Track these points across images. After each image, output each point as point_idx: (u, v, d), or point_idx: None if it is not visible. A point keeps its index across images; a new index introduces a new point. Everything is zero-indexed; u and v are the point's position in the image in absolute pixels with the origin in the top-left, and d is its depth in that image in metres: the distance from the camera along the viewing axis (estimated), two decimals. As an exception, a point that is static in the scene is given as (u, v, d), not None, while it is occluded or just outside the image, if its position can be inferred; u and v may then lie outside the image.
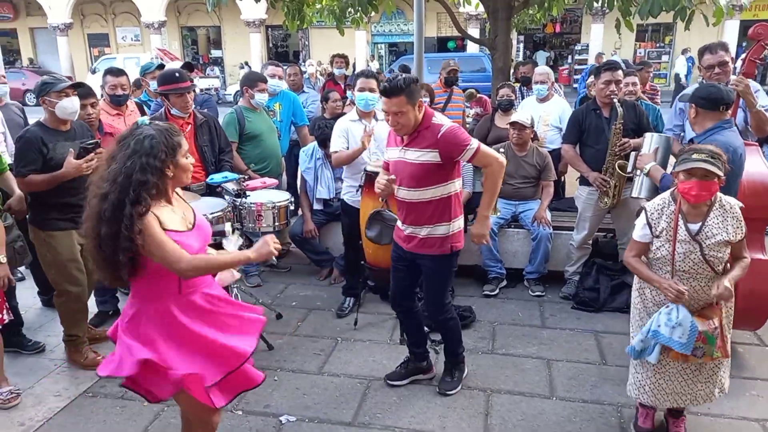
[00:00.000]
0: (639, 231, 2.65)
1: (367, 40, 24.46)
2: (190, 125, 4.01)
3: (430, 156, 2.81)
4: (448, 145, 2.79)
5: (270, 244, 2.19)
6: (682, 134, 3.99)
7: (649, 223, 2.60)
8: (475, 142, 2.82)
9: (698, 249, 2.49)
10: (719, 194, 2.53)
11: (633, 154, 3.79)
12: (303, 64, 14.83)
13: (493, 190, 2.97)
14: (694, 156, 2.43)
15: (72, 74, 23.57)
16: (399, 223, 3.09)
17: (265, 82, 4.79)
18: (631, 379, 2.81)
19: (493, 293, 4.47)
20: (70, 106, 3.26)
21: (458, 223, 2.99)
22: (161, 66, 5.41)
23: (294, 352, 3.70)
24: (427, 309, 3.20)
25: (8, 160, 3.80)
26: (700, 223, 2.50)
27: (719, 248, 2.49)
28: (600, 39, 21.75)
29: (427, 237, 2.94)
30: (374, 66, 22.39)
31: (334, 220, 4.83)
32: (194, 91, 4.27)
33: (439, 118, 2.89)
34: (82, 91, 3.71)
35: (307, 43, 26.06)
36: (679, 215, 2.53)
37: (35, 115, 3.92)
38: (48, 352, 3.69)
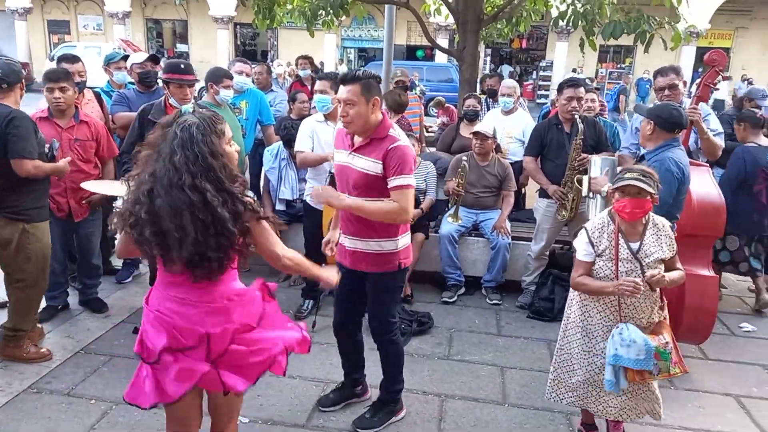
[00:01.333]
0: (582, 251, 2.68)
1: (336, 44, 24.46)
2: None
3: (376, 168, 2.63)
4: (390, 160, 2.60)
5: (334, 279, 2.38)
6: (636, 152, 4.14)
7: (591, 242, 2.65)
8: (411, 180, 2.62)
9: (639, 267, 2.58)
10: (651, 213, 2.63)
11: (585, 178, 3.91)
12: (272, 63, 14.69)
13: (376, 209, 2.63)
14: (627, 175, 2.54)
15: (29, 60, 22.75)
16: (343, 239, 2.88)
17: (231, 78, 4.72)
18: (555, 385, 2.86)
19: (451, 300, 4.52)
20: None
21: (405, 239, 2.83)
22: (126, 57, 5.28)
23: (250, 352, 3.65)
24: (371, 327, 2.98)
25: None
26: (639, 242, 2.60)
27: (656, 266, 2.57)
28: (564, 57, 22.35)
29: (372, 252, 2.77)
30: (342, 70, 22.41)
31: (296, 221, 4.80)
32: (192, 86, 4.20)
33: (397, 131, 2.70)
34: (53, 74, 3.67)
35: (275, 43, 25.88)
36: (620, 234, 2.61)
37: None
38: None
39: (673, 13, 6.70)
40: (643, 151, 3.57)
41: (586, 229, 2.70)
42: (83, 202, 3.88)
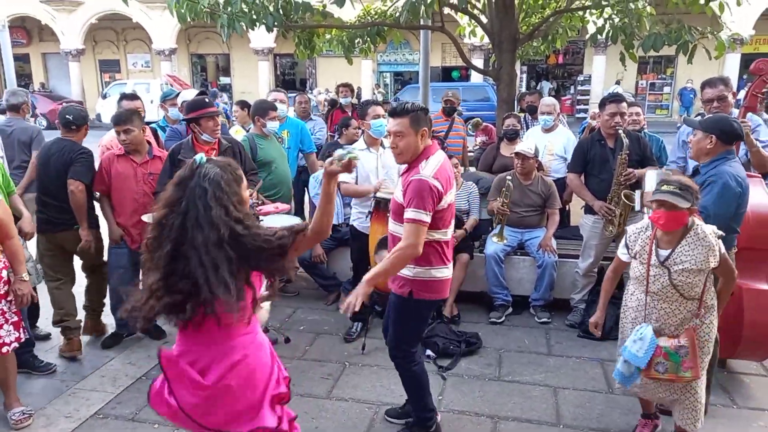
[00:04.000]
0: (620, 249, 2.93)
1: (373, 69, 24.85)
2: (215, 151, 4.09)
3: (400, 195, 2.73)
4: (410, 192, 2.64)
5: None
6: (684, 165, 4.08)
7: (627, 244, 2.84)
8: (423, 216, 2.60)
9: (666, 274, 2.67)
10: (696, 222, 2.67)
11: (638, 192, 3.87)
12: (311, 92, 15.06)
13: (387, 265, 2.66)
14: (664, 188, 2.61)
15: (83, 99, 23.95)
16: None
17: (276, 110, 4.90)
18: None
19: (499, 320, 4.50)
20: None
21: (428, 272, 2.77)
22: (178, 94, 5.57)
23: (302, 376, 3.73)
24: (389, 349, 3.00)
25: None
26: (670, 250, 2.67)
27: (687, 275, 2.64)
28: (602, 70, 22.07)
29: (409, 278, 2.79)
30: (379, 95, 22.72)
31: (342, 245, 4.90)
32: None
33: (430, 163, 2.69)
34: (117, 118, 3.97)
35: (313, 71, 26.49)
36: (654, 241, 2.72)
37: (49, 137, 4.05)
38: (59, 374, 3.72)
39: (715, 21, 6.59)
40: (693, 164, 3.51)
41: (626, 231, 2.90)
42: None
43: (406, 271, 2.77)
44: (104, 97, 21.34)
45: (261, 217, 3.88)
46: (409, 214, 2.62)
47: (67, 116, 3.93)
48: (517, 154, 4.65)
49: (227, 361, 1.98)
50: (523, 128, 6.12)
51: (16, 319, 3.05)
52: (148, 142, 4.13)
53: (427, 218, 2.63)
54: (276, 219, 3.97)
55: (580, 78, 23.58)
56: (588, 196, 4.30)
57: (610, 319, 4.27)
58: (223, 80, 28.06)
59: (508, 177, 4.58)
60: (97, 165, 4.06)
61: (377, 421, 3.23)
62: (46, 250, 3.96)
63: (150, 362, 3.89)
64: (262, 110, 4.84)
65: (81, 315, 4.12)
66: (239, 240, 1.87)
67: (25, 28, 27.03)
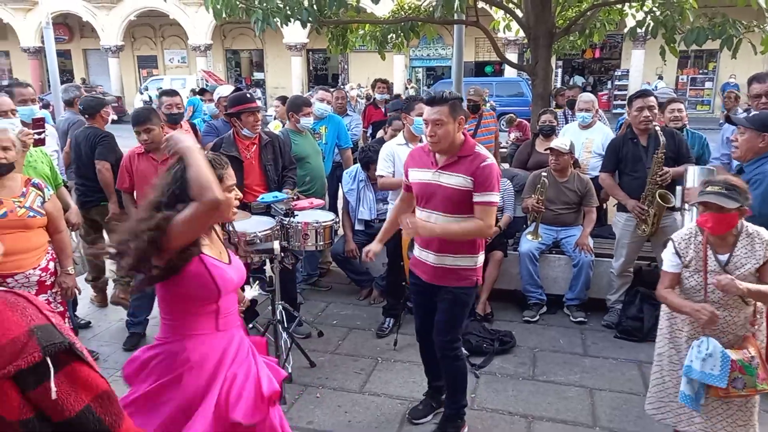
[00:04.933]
0: (668, 261, 2.64)
1: (405, 64, 24.79)
2: (255, 145, 4.15)
3: (467, 183, 2.73)
4: (482, 178, 2.70)
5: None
6: (729, 163, 3.95)
7: (677, 252, 2.61)
8: (496, 198, 2.75)
9: None
10: (745, 223, 2.53)
11: (679, 189, 3.76)
12: (344, 87, 15.11)
13: (463, 231, 2.75)
14: (708, 188, 2.44)
15: (122, 94, 24.56)
16: (417, 251, 2.97)
17: (310, 106, 4.92)
18: (654, 399, 2.76)
19: (533, 319, 4.45)
20: None
21: (482, 258, 2.92)
22: (203, 90, 5.69)
23: (335, 369, 3.76)
24: (438, 342, 2.98)
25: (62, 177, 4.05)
26: (728, 254, 2.50)
27: (749, 278, 2.46)
28: (641, 64, 21.54)
29: (451, 267, 2.83)
30: (412, 90, 22.65)
31: (374, 241, 4.91)
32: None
33: (483, 150, 2.81)
34: (136, 119, 3.92)
35: (346, 66, 26.57)
36: (708, 245, 2.52)
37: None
38: (101, 362, 3.83)
39: (761, 15, 6.36)
40: (736, 163, 3.40)
41: (672, 240, 2.65)
42: None
43: (468, 262, 2.83)
44: (142, 92, 21.84)
45: (296, 212, 3.92)
46: (486, 197, 2.70)
47: (80, 106, 4.63)
48: (551, 150, 4.58)
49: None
50: (561, 124, 6.03)
51: (61, 309, 3.15)
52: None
53: (498, 199, 2.78)
54: (311, 214, 4.01)
55: (618, 73, 23.07)
56: (621, 195, 4.20)
57: (649, 320, 4.19)
58: (257, 75, 28.39)
59: (544, 174, 4.51)
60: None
61: (410, 417, 3.24)
62: (83, 222, 4.25)
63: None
64: (296, 106, 4.88)
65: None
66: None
67: (67, 25, 27.80)
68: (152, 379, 1.94)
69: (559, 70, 23.50)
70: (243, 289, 2.53)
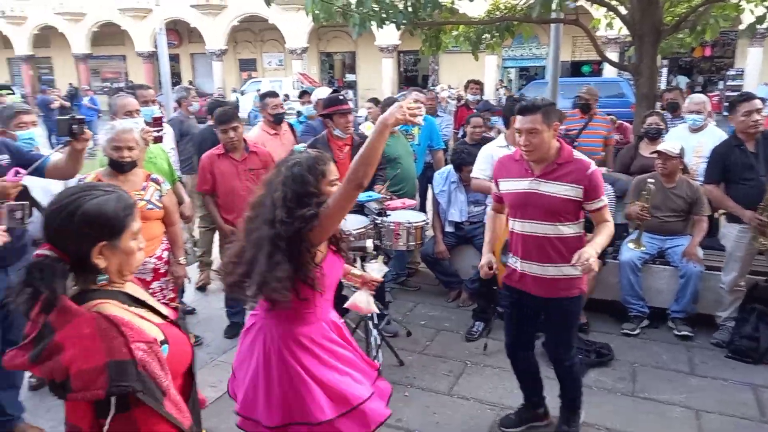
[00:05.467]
0: None
1: (497, 65, 24.37)
2: (348, 146, 4.25)
3: (575, 192, 2.66)
4: (593, 186, 2.66)
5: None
6: None
7: None
8: (606, 199, 2.77)
9: None
10: None
11: None
12: (434, 89, 15.10)
13: (608, 238, 2.70)
14: None
15: (224, 95, 25.99)
16: (517, 263, 2.86)
17: None
18: None
19: (633, 332, 4.21)
20: None
21: None
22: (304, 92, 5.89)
23: (424, 370, 3.76)
24: (554, 354, 2.96)
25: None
26: None
27: None
28: (758, 63, 19.84)
29: (560, 278, 2.75)
30: (504, 91, 22.22)
31: (464, 242, 4.87)
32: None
33: (581, 154, 2.76)
34: (224, 116, 4.04)
35: (436, 67, 26.53)
36: None
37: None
38: (205, 346, 4.07)
39: None
40: None
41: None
42: None
43: (574, 270, 2.66)
44: (242, 94, 22.97)
45: (389, 212, 3.96)
46: (600, 203, 2.71)
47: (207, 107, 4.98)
48: (659, 153, 4.31)
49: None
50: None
51: (172, 296, 3.37)
52: (244, 139, 4.17)
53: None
54: (403, 214, 4.04)
55: (731, 72, 21.37)
56: (733, 206, 3.87)
57: (766, 340, 3.86)
58: (349, 77, 29.02)
59: (650, 179, 4.26)
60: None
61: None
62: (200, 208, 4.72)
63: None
64: (384, 107, 4.94)
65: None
66: (282, 223, 2.00)
67: (176, 31, 29.82)
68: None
69: (664, 70, 22.13)
70: (363, 269, 2.69)
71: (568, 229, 2.74)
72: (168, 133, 4.70)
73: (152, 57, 27.94)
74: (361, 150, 1.98)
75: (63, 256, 1.37)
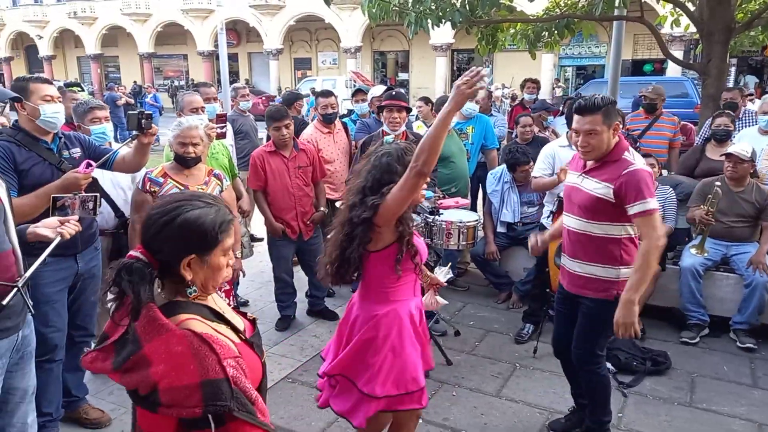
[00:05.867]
0: None
1: (554, 63, 23.83)
2: None
3: (606, 191, 2.55)
4: (626, 186, 2.50)
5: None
6: None
7: None
8: (654, 204, 2.48)
9: None
10: None
11: None
12: (490, 87, 14.93)
13: (644, 271, 2.48)
14: None
15: (278, 93, 26.56)
16: (564, 259, 2.84)
17: None
18: None
19: (692, 341, 4.05)
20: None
21: (628, 271, 2.60)
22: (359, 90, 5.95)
23: (472, 371, 3.74)
24: (574, 353, 2.85)
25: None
26: None
27: None
28: (837, 62, 18.62)
29: (590, 276, 2.67)
30: (559, 90, 21.71)
31: (516, 244, 4.80)
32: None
33: (633, 155, 2.61)
34: (277, 113, 4.09)
35: (490, 65, 26.20)
36: None
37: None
38: (257, 338, 4.18)
39: None
40: None
41: None
42: (308, 222, 4.22)
43: (610, 273, 2.64)
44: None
45: (441, 211, 3.96)
46: (640, 206, 2.46)
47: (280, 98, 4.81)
48: (728, 155, 4.12)
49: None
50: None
51: (227, 288, 3.48)
52: (293, 138, 4.20)
53: (657, 204, 2.53)
54: (455, 213, 4.03)
55: (805, 72, 20.15)
56: None
57: (839, 356, 3.63)
58: (402, 76, 29.04)
59: (717, 182, 4.08)
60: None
61: (549, 428, 3.13)
62: None
63: (331, 336, 4.18)
64: (437, 106, 4.94)
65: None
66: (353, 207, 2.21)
67: (236, 30, 30.65)
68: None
69: (733, 69, 21.08)
70: (432, 271, 2.84)
71: (604, 229, 2.62)
72: (229, 129, 4.86)
73: (212, 56, 28.86)
74: (424, 138, 2.07)
75: (153, 262, 1.37)
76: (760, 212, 4.12)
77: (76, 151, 2.91)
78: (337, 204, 4.03)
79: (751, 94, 10.45)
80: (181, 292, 1.42)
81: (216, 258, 1.43)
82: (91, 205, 2.49)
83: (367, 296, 2.35)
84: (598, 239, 2.64)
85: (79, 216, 2.37)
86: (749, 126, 5.32)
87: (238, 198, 4.09)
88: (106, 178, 3.29)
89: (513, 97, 9.36)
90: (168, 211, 1.39)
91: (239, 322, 1.56)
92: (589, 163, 2.68)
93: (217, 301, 1.55)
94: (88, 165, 2.68)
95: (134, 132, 2.79)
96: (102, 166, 2.87)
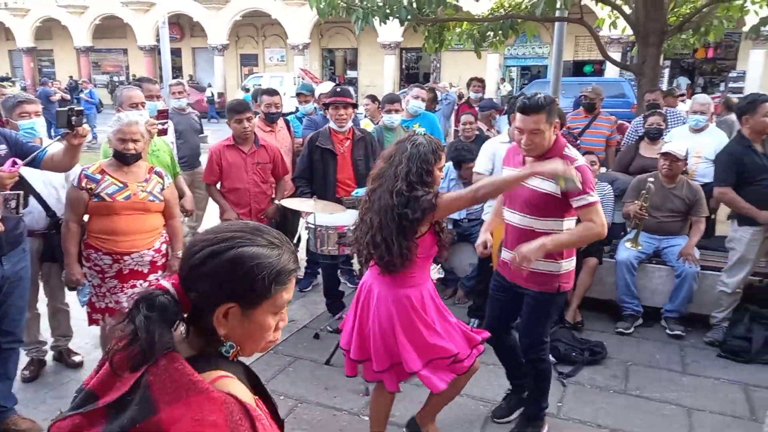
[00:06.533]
0: None
1: (499, 63, 24.33)
2: (349, 140, 4.27)
3: (552, 187, 2.63)
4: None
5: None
6: None
7: None
8: (596, 197, 2.62)
9: None
10: None
11: None
12: (437, 85, 15.07)
13: (573, 238, 2.66)
14: None
15: (224, 90, 25.98)
16: (504, 253, 2.93)
17: (393, 102, 4.91)
18: None
19: (627, 331, 4.24)
20: None
21: (569, 264, 2.82)
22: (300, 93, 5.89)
23: (419, 366, 3.77)
24: (521, 344, 2.99)
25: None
26: None
27: None
28: (760, 66, 19.82)
29: (533, 271, 2.70)
30: (505, 89, 22.19)
31: (462, 240, 4.88)
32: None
33: (572, 151, 2.73)
34: (240, 106, 4.09)
35: (438, 65, 26.48)
36: None
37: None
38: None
39: None
40: None
41: None
42: (262, 217, 4.20)
43: (552, 267, 2.77)
44: (244, 89, 22.93)
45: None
46: (582, 200, 2.59)
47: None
48: (665, 154, 4.32)
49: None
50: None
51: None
52: (254, 133, 4.18)
53: (598, 198, 2.68)
54: (331, 218, 3.98)
55: (732, 74, 21.35)
56: (748, 208, 3.86)
57: (758, 340, 3.89)
58: (350, 74, 28.97)
59: (650, 179, 4.27)
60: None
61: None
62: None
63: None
64: (381, 104, 4.96)
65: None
66: (403, 198, 2.38)
67: (179, 25, 29.77)
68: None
69: (666, 70, 22.08)
70: None
71: (548, 225, 2.71)
72: (171, 126, 4.71)
73: (154, 51, 27.88)
74: (497, 178, 2.61)
75: (184, 301, 1.08)
76: (690, 208, 4.34)
77: (2, 148, 2.76)
78: (284, 202, 3.99)
79: (682, 95, 10.98)
80: (212, 345, 1.11)
81: (262, 315, 1.11)
82: (13, 203, 2.37)
83: (393, 282, 2.53)
84: (541, 234, 2.69)
85: (1, 215, 2.25)
86: (678, 125, 5.60)
87: (181, 196, 3.99)
88: (36, 176, 3.13)
89: (460, 96, 9.48)
90: (219, 240, 1.10)
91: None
92: (529, 160, 2.74)
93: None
94: (14, 163, 2.55)
95: (64, 130, 2.67)
96: (29, 165, 2.74)
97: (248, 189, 4.09)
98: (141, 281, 3.24)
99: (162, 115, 4.05)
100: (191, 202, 4.06)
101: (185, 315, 1.09)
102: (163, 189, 3.21)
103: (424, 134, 2.51)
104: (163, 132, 3.98)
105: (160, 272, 3.30)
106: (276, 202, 4.18)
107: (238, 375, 1.11)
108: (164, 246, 3.28)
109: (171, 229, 3.31)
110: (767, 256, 4.13)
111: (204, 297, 1.08)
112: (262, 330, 1.13)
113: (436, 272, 2.97)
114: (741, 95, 18.07)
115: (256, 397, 1.13)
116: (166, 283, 1.09)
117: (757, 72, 19.89)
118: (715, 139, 4.87)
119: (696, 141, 4.87)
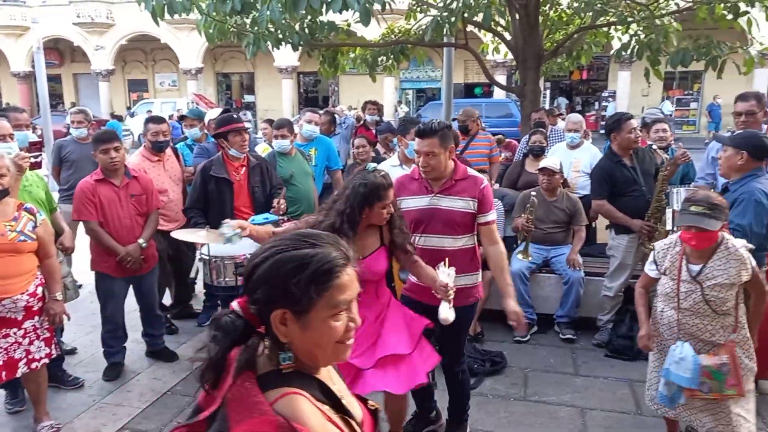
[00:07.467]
0: (647, 266, 2.93)
1: (395, 86, 25.05)
2: (244, 167, 4.14)
3: (470, 205, 2.87)
4: (485, 199, 2.88)
5: None
6: (714, 182, 4.01)
7: (655, 261, 2.84)
8: (495, 214, 2.99)
9: (699, 289, 2.64)
10: (726, 237, 2.66)
11: (669, 211, 3.82)
12: (335, 109, 15.19)
13: (504, 268, 2.96)
14: (692, 208, 2.57)
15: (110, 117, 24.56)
16: (413, 278, 2.97)
17: (283, 127, 4.77)
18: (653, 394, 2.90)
19: (524, 339, 4.44)
20: None
21: (481, 274, 3.09)
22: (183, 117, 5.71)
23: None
24: (449, 361, 3.02)
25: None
26: (701, 266, 2.65)
27: (720, 290, 2.62)
28: (627, 86, 21.92)
29: (458, 287, 2.75)
30: (402, 111, 22.83)
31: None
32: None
33: (475, 171, 3.00)
34: (105, 135, 3.79)
35: (336, 88, 26.80)
36: (684, 256, 2.70)
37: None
38: (87, 388, 3.76)
39: (744, 37, 6.51)
40: (722, 181, 3.46)
41: (654, 246, 2.89)
42: (138, 256, 3.82)
43: (473, 279, 2.98)
44: (132, 116, 21.85)
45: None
46: (489, 216, 2.90)
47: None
48: (542, 169, 4.62)
49: None
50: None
51: (47, 335, 3.11)
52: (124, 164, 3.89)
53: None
54: (228, 248, 3.87)
55: (604, 94, 23.41)
56: (623, 217, 4.18)
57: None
58: (248, 98, 28.56)
59: (533, 193, 4.55)
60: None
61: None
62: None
63: (175, 378, 3.91)
64: (274, 128, 4.88)
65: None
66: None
67: (58, 50, 27.94)
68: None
69: (548, 92, 23.79)
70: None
71: (463, 242, 2.91)
72: (45, 159, 4.37)
73: (30, 77, 25.88)
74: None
75: (248, 315, 1.10)
76: (571, 218, 4.66)
77: None
78: (174, 234, 3.79)
79: (561, 114, 11.88)
80: (275, 358, 1.11)
81: (319, 319, 1.09)
82: None
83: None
84: (461, 251, 2.90)
85: None
86: (559, 142, 6.03)
87: (59, 233, 3.68)
88: None
89: (358, 119, 9.61)
90: (265, 249, 1.12)
91: (357, 411, 1.21)
92: (438, 184, 2.89)
93: (333, 376, 1.21)
94: None
95: None
96: None
97: (126, 224, 3.78)
98: (15, 329, 2.95)
99: (35, 147, 3.75)
100: (71, 239, 3.76)
101: (262, 331, 1.12)
102: (35, 227, 2.96)
103: (375, 171, 2.53)
104: (36, 165, 3.68)
105: (37, 318, 3.03)
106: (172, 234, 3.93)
107: (311, 390, 1.09)
108: (40, 289, 3.02)
109: (46, 270, 3.05)
110: (644, 261, 4.50)
111: (258, 307, 1.11)
112: (325, 335, 1.10)
113: (447, 275, 2.62)
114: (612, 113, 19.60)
115: (340, 414, 1.12)
116: (234, 303, 1.13)
117: (625, 91, 21.97)
118: (589, 154, 5.29)
119: (573, 156, 5.26)
